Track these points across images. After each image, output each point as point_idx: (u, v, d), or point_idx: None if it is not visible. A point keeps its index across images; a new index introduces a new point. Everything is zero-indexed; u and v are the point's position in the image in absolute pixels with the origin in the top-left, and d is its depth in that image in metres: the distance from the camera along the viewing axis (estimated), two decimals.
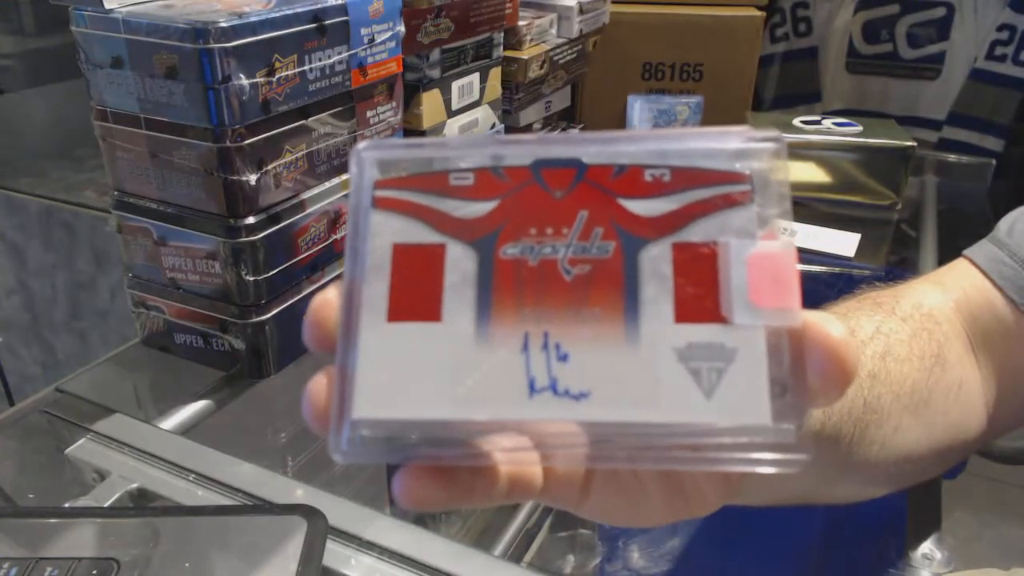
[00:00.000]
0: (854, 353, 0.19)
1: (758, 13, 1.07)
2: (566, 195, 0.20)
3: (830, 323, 0.19)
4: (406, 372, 0.19)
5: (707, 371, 0.19)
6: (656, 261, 0.19)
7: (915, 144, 0.89)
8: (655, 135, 0.21)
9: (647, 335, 0.19)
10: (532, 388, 0.19)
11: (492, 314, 0.19)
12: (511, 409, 0.19)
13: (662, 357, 0.19)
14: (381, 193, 0.21)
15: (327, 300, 0.21)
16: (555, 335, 0.19)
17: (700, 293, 0.19)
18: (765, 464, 0.19)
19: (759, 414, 0.18)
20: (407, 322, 0.20)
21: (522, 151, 0.21)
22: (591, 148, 0.20)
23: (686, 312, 0.19)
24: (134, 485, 0.47)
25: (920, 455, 0.36)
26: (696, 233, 0.19)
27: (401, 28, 0.67)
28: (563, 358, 0.19)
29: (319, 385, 0.20)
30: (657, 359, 0.19)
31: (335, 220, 0.65)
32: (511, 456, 0.20)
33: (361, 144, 0.22)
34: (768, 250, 0.19)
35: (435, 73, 0.76)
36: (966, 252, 0.41)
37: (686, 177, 0.20)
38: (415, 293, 0.20)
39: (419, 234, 0.20)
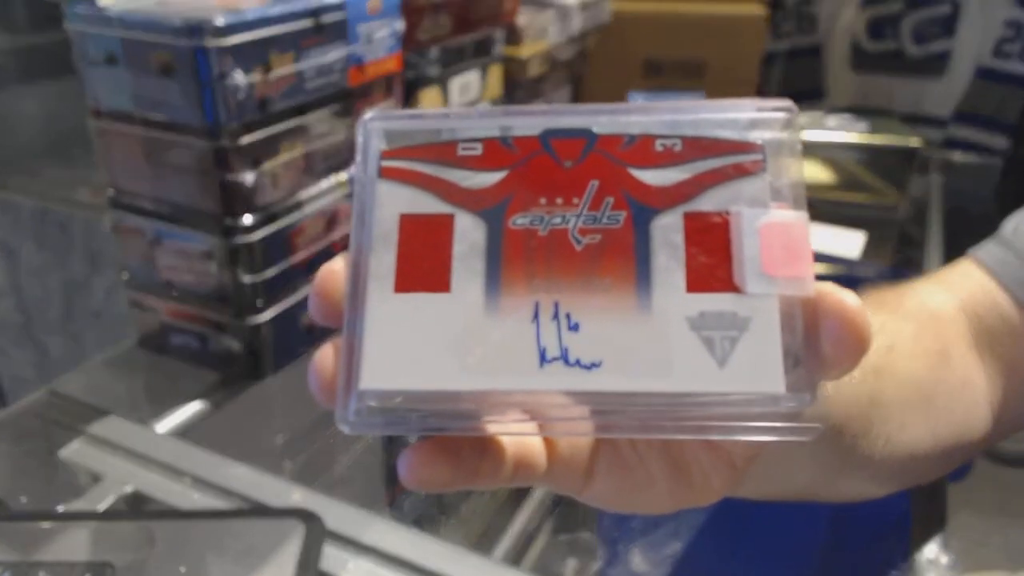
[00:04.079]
0: (868, 322, 0.19)
1: (761, 10, 1.07)
2: (576, 165, 0.20)
3: (844, 292, 0.19)
4: (414, 342, 0.19)
5: (720, 340, 0.18)
6: (667, 231, 0.19)
7: (921, 143, 0.89)
8: (667, 106, 0.20)
9: (659, 304, 0.19)
10: (543, 358, 0.19)
11: (502, 284, 0.19)
12: (521, 379, 0.19)
13: (674, 326, 0.19)
14: (388, 163, 0.21)
15: (333, 271, 0.20)
16: (566, 305, 0.19)
17: (712, 262, 0.19)
18: (778, 433, 0.18)
19: (773, 383, 0.18)
20: (415, 292, 0.20)
21: (531, 121, 0.21)
22: (601, 118, 0.20)
23: (698, 281, 0.19)
24: (129, 488, 0.47)
25: (925, 453, 0.36)
26: (708, 202, 0.19)
27: (400, 25, 0.66)
28: (574, 328, 0.19)
29: (326, 356, 0.20)
30: (669, 328, 0.19)
31: (333, 220, 0.64)
32: (522, 426, 0.20)
33: (368, 114, 0.22)
34: (781, 219, 0.19)
35: (434, 70, 0.76)
36: (971, 252, 0.41)
37: (697, 147, 0.20)
38: (423, 263, 0.20)
39: (427, 204, 0.20)
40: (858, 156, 0.91)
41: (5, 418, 0.55)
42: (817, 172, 0.92)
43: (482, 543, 0.50)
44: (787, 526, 0.53)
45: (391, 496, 0.56)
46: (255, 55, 0.53)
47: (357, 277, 0.20)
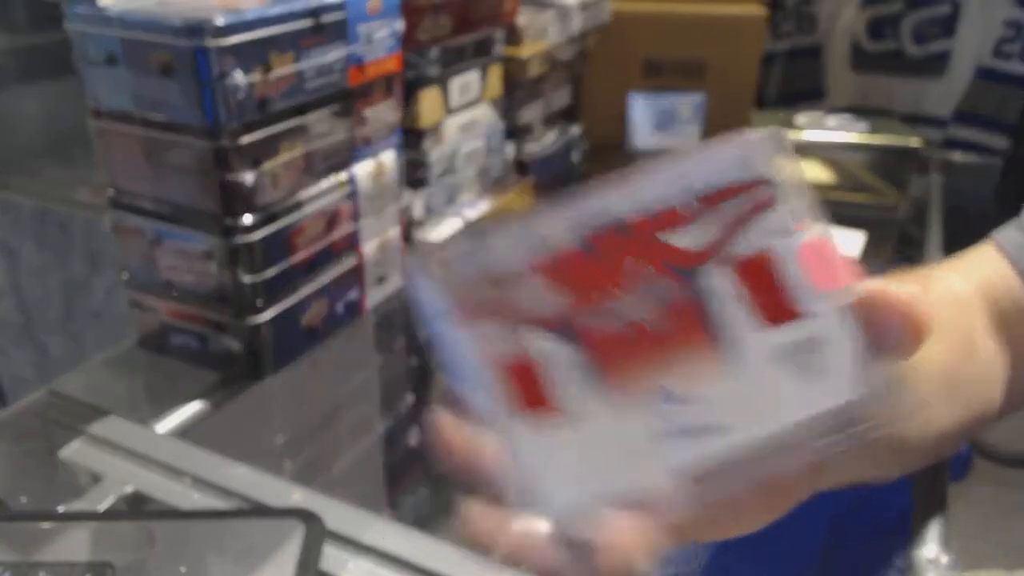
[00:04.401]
0: (924, 308, 0.20)
1: (761, 10, 1.07)
2: (618, 253, 0.21)
3: (896, 286, 0.20)
4: (552, 469, 0.21)
5: (804, 364, 0.20)
6: (719, 285, 0.21)
7: (921, 143, 0.89)
8: (666, 168, 0.21)
9: (741, 353, 0.21)
10: (669, 437, 0.20)
11: (604, 389, 0.21)
12: (660, 463, 0.20)
13: (763, 367, 0.20)
14: (451, 310, 0.21)
15: (451, 428, 0.21)
16: (668, 385, 0.21)
17: (769, 299, 0.21)
18: (880, 428, 0.20)
19: (859, 386, 0.20)
20: (533, 423, 0.21)
21: (563, 226, 0.21)
22: (622, 203, 0.21)
23: (765, 320, 0.21)
24: (129, 488, 0.47)
25: (950, 434, 0.37)
26: (743, 247, 0.21)
27: (400, 25, 0.66)
28: (683, 402, 0.21)
29: (480, 514, 0.20)
30: (759, 371, 0.20)
31: (333, 220, 0.64)
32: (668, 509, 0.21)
33: (410, 262, 0.22)
34: (810, 240, 0.21)
35: (434, 70, 0.76)
36: (993, 235, 0.42)
37: (713, 199, 0.21)
38: (528, 396, 0.21)
39: (503, 338, 0.21)
40: (858, 156, 0.91)
41: (5, 418, 0.55)
42: (817, 172, 0.92)
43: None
44: (788, 525, 0.53)
45: (391, 496, 0.56)
46: (255, 55, 0.53)
47: (475, 426, 0.21)
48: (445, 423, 0.21)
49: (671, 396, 0.21)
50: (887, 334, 0.20)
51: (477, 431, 0.21)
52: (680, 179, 0.21)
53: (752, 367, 0.20)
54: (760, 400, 0.20)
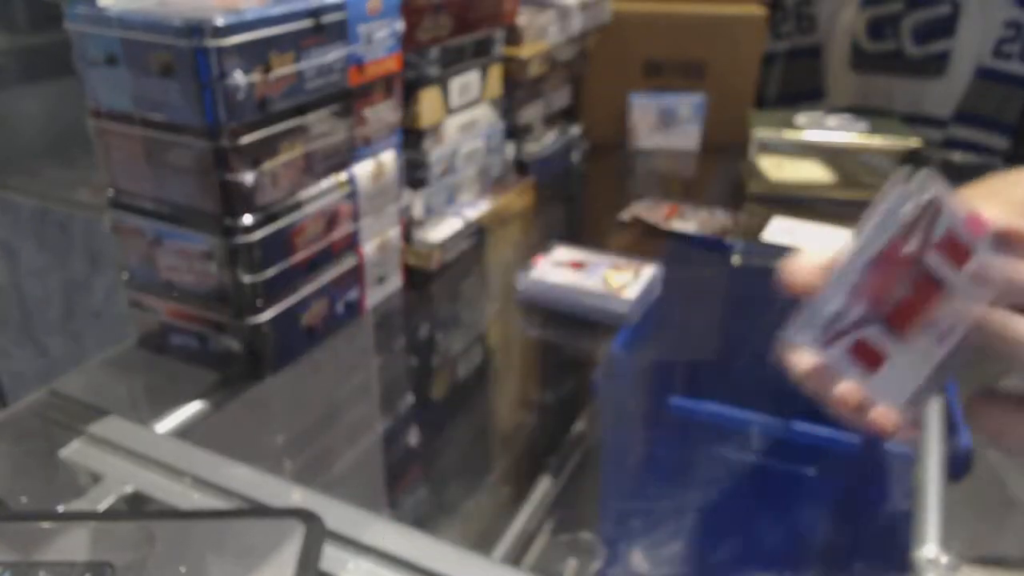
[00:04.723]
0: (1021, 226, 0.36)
1: (761, 10, 1.07)
2: (884, 271, 0.36)
3: (1012, 220, 0.36)
4: (893, 385, 0.37)
5: (985, 279, 0.36)
6: (935, 260, 0.36)
7: (921, 143, 0.89)
8: (875, 215, 0.36)
9: (954, 288, 0.36)
10: (939, 343, 0.37)
11: (901, 338, 0.37)
12: (939, 358, 0.37)
13: (966, 289, 0.36)
14: (819, 341, 0.38)
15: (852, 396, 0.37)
16: (929, 320, 0.37)
17: (956, 253, 0.36)
18: None
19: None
20: (874, 369, 0.38)
21: (855, 275, 0.36)
22: (872, 248, 0.36)
23: (958, 265, 0.36)
24: (129, 488, 0.47)
25: None
26: (937, 235, 0.36)
27: (400, 25, 0.66)
28: (935, 324, 0.37)
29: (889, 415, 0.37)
30: (965, 292, 0.36)
31: (333, 220, 0.64)
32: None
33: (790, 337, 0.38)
34: (961, 211, 0.36)
35: (434, 70, 0.76)
36: None
37: (913, 220, 0.36)
38: (867, 357, 0.37)
39: (846, 340, 0.38)
40: (858, 156, 0.91)
41: (5, 418, 0.55)
42: (816, 172, 0.92)
43: (482, 543, 0.50)
44: (787, 527, 0.53)
45: (391, 496, 0.56)
46: (255, 55, 0.53)
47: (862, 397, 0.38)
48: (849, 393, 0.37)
49: (930, 324, 0.36)
50: (1017, 246, 0.36)
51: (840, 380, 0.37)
52: (888, 217, 0.36)
53: (962, 292, 0.36)
54: (971, 302, 0.36)
